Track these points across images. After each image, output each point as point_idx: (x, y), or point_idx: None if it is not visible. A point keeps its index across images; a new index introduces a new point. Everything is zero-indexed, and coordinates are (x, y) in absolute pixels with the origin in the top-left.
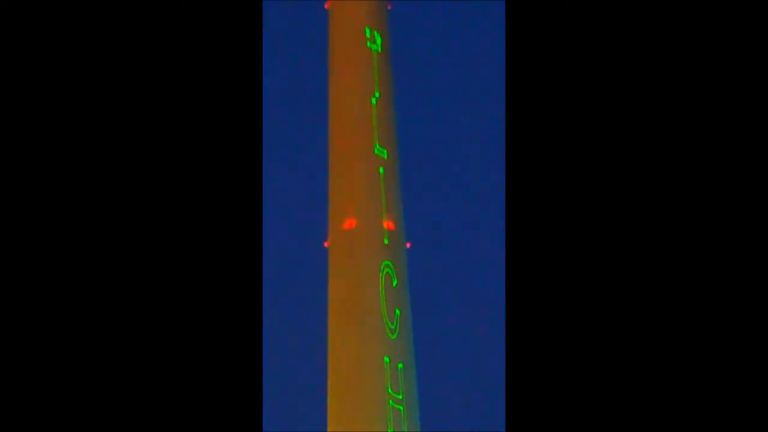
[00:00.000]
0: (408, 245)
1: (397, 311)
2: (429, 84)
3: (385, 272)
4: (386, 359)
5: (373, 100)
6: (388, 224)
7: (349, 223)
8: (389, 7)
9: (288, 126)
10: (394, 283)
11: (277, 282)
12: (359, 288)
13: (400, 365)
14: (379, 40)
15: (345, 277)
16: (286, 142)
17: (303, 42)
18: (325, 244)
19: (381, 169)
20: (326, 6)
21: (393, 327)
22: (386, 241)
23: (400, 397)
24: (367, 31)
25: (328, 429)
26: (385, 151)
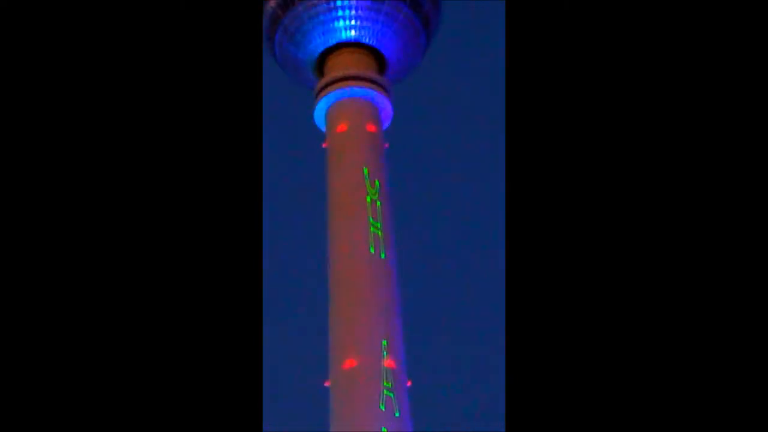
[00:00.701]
0: (408, 383)
1: None
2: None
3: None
4: None
5: (372, 248)
6: (388, 363)
7: (350, 363)
8: (386, 146)
9: (288, 265)
10: (396, 414)
11: (278, 422)
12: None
13: None
14: (377, 184)
15: (347, 417)
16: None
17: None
18: (326, 384)
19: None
20: (324, 146)
21: None
22: (386, 383)
23: None
24: (365, 171)
25: None
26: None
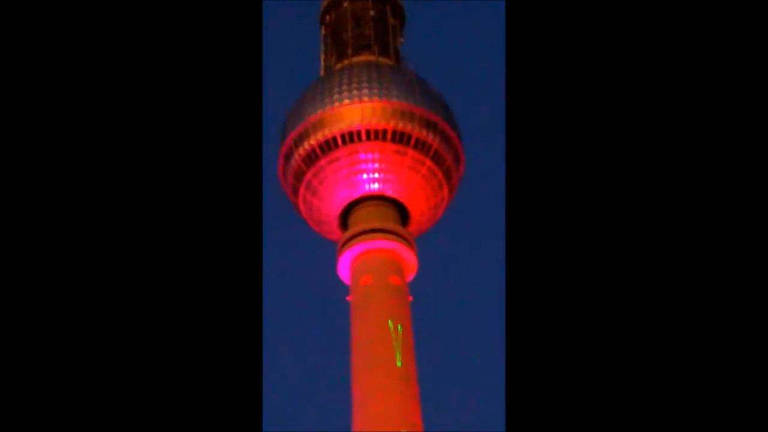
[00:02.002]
0: None
1: None
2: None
3: None
4: None
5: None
6: None
7: None
8: (410, 299)
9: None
10: None
11: None
12: None
13: None
14: (401, 335)
15: None
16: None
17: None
18: None
19: None
20: (348, 299)
21: None
22: None
23: None
24: (390, 323)
25: None
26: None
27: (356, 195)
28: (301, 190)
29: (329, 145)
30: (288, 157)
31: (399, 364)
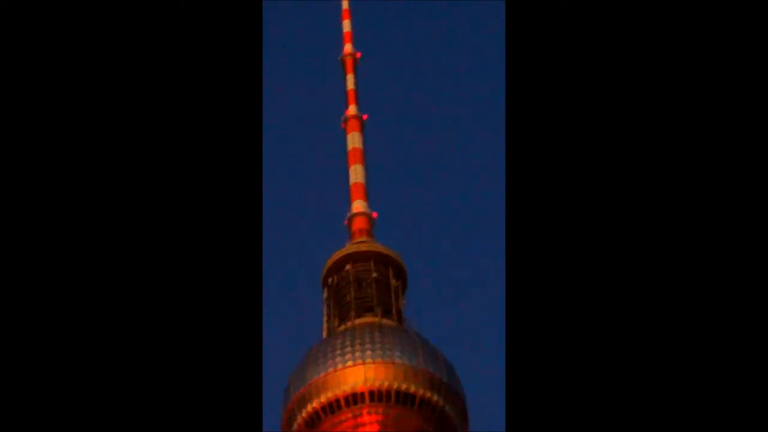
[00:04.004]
0: None
1: None
2: None
3: None
4: None
5: None
6: None
7: None
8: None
9: None
10: None
11: None
12: None
13: None
14: None
15: None
16: None
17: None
18: None
19: None
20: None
21: None
22: None
23: None
24: None
25: None
26: None
27: None
28: None
29: (332, 408)
30: (291, 421)
31: None
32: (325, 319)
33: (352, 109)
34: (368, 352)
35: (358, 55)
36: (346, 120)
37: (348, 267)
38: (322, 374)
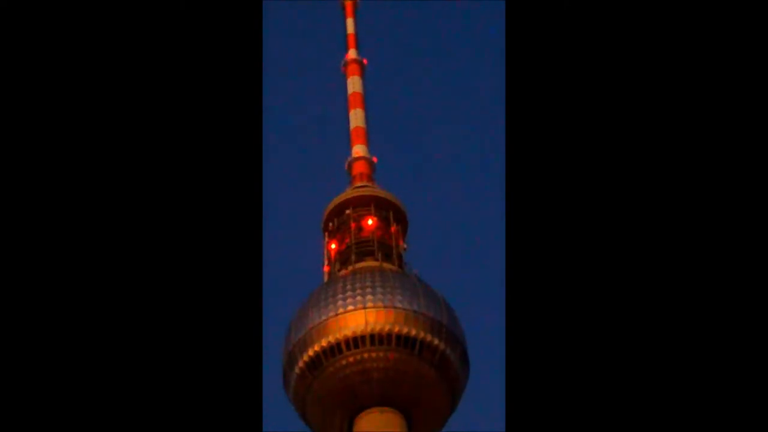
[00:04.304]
0: None
1: None
2: None
3: None
4: None
5: None
6: None
7: None
8: None
9: None
10: None
11: None
12: None
13: None
14: None
15: None
16: None
17: None
18: None
19: None
20: None
21: None
22: None
23: None
24: None
25: None
26: None
27: (361, 402)
28: (307, 398)
29: (333, 352)
30: (291, 365)
31: None
32: (325, 262)
33: (352, 53)
34: (369, 296)
35: None
36: (346, 64)
37: (348, 211)
38: (323, 318)
